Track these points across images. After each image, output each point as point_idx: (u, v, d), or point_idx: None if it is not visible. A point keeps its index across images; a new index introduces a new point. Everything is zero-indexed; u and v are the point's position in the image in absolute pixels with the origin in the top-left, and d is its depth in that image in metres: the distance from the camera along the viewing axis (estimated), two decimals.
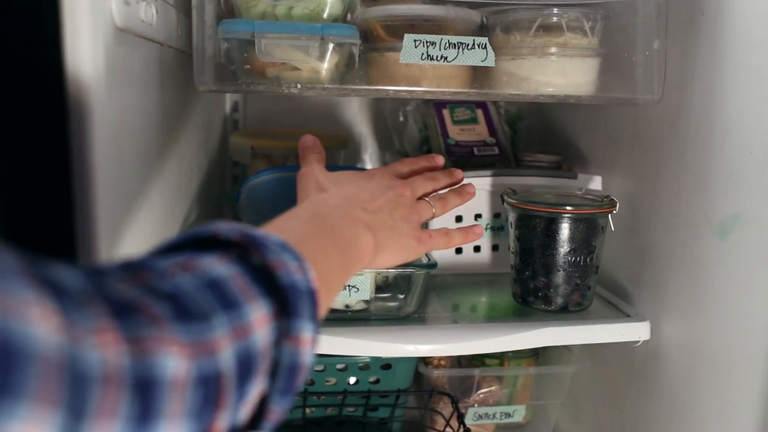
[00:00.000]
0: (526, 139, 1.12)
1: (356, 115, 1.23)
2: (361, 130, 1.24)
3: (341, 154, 1.12)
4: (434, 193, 0.66)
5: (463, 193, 0.68)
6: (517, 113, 1.09)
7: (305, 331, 0.37)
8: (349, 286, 0.71)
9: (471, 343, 0.72)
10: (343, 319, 0.74)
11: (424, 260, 0.75)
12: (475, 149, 0.97)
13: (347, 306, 0.74)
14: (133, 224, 0.59)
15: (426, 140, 0.99)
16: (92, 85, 0.46)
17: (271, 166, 1.07)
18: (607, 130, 0.92)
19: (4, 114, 0.44)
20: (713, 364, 0.70)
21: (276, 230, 0.44)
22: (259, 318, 0.35)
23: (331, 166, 0.66)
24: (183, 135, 0.81)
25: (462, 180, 0.69)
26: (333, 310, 0.74)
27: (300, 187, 0.63)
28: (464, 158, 0.96)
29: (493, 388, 0.98)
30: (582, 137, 0.99)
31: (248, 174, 1.09)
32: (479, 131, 0.98)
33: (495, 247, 0.94)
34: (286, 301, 0.37)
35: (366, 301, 0.74)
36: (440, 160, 0.70)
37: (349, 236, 0.52)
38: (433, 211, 0.65)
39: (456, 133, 0.97)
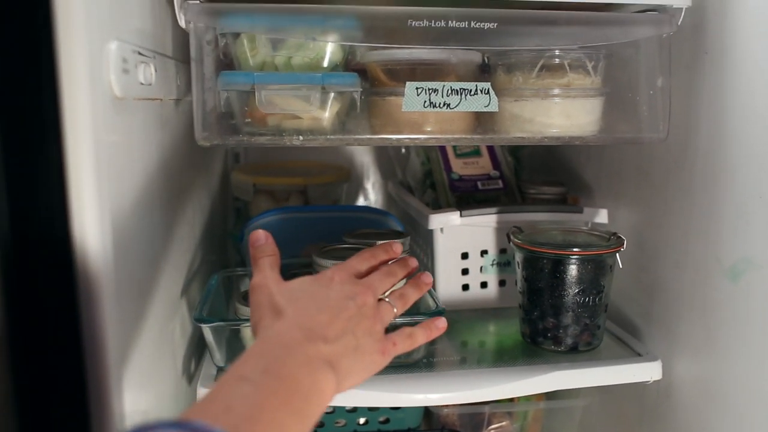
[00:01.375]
0: (530, 167, 1.11)
1: (359, 146, 1.23)
2: (363, 159, 1.23)
3: (344, 188, 1.11)
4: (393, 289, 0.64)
5: (421, 284, 0.65)
6: None
7: None
8: None
9: (481, 391, 0.71)
10: None
11: (432, 306, 0.74)
12: (479, 183, 0.96)
13: None
14: (139, 286, 0.58)
15: (429, 173, 0.99)
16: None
17: (274, 202, 1.06)
18: (612, 161, 0.91)
19: None
20: (726, 405, 0.69)
21: (224, 404, 0.43)
22: None
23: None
24: (186, 183, 0.80)
25: (417, 267, 0.67)
26: None
27: (253, 301, 0.58)
28: (468, 193, 0.95)
29: (503, 423, 0.97)
30: (587, 168, 0.98)
31: (251, 211, 1.08)
32: (482, 164, 0.97)
33: (502, 283, 0.93)
34: None
35: None
36: (398, 248, 0.67)
37: (309, 384, 0.49)
38: (395, 310, 0.61)
39: (459, 167, 0.97)
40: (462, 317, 0.91)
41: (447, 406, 0.95)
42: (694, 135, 0.72)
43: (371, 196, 1.24)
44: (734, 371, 0.68)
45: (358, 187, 1.23)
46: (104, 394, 0.49)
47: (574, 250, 0.75)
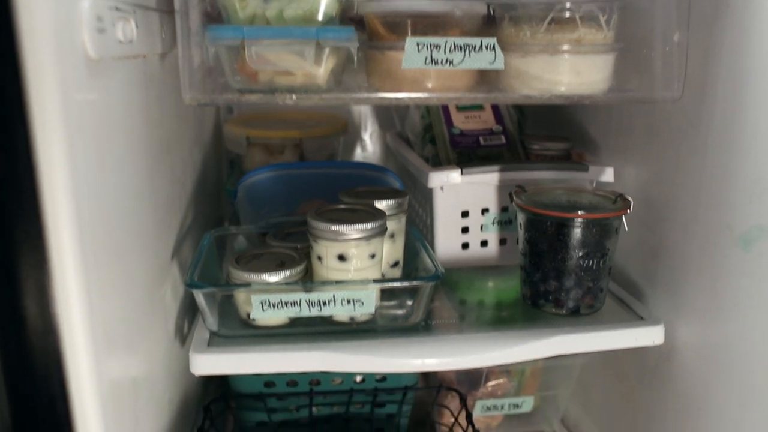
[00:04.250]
0: (534, 121, 1.07)
1: None
2: (360, 109, 1.19)
3: (340, 141, 1.07)
4: None
5: None
6: None
7: None
8: (353, 300, 0.69)
9: (480, 356, 0.70)
10: (348, 331, 0.72)
11: (432, 270, 0.72)
12: (481, 139, 0.92)
13: (352, 318, 0.72)
14: (124, 252, 0.56)
15: (429, 128, 0.95)
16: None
17: (268, 156, 1.03)
18: (621, 117, 0.87)
19: None
20: (729, 370, 0.68)
21: None
22: None
23: None
24: (175, 140, 0.77)
25: None
26: (337, 323, 0.72)
27: None
28: (469, 148, 0.92)
29: (501, 380, 0.97)
30: (593, 123, 0.95)
31: (245, 163, 1.05)
32: (485, 118, 0.94)
33: (503, 241, 0.91)
34: None
35: (371, 313, 0.72)
36: None
37: None
38: None
39: (461, 122, 0.93)
40: (461, 276, 0.89)
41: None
42: (711, 95, 0.68)
43: (369, 148, 1.20)
44: (740, 337, 0.66)
45: (355, 138, 1.19)
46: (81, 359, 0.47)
47: (579, 213, 0.72)
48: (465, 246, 0.89)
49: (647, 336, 0.75)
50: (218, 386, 0.99)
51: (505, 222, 0.89)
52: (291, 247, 0.76)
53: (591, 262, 0.74)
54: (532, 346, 0.71)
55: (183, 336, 0.78)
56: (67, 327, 0.46)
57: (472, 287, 0.87)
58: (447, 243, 0.88)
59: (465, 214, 0.88)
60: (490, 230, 0.89)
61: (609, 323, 0.76)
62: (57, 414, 0.49)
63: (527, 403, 0.98)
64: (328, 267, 0.70)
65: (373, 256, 0.70)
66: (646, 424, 0.83)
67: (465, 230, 0.89)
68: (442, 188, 0.85)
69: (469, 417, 0.87)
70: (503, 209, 0.89)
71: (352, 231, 0.68)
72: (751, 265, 0.64)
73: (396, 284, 0.72)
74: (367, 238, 0.68)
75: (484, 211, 0.88)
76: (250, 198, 0.88)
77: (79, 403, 0.48)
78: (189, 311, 0.79)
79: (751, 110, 0.63)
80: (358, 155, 1.20)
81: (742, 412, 0.66)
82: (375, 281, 0.69)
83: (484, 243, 0.90)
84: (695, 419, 0.73)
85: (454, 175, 0.84)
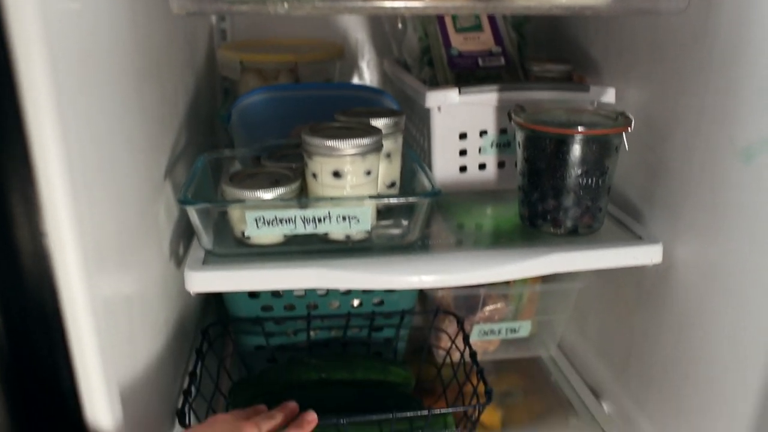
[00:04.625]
0: (534, 43, 1.05)
1: (353, 20, 1.15)
2: (357, 35, 1.16)
3: (336, 66, 1.05)
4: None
5: (304, 424, 0.69)
6: (523, 17, 1.01)
7: None
8: (349, 217, 0.68)
9: (477, 273, 0.69)
10: (344, 249, 0.71)
11: (428, 187, 0.71)
12: (479, 60, 0.90)
13: (348, 236, 0.71)
14: (113, 167, 0.55)
15: (426, 50, 0.92)
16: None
17: (262, 81, 1.01)
18: (623, 36, 0.85)
19: None
20: (727, 288, 0.68)
21: None
22: None
23: None
24: (164, 58, 0.75)
25: (297, 410, 0.71)
26: (332, 241, 0.71)
27: None
28: (468, 70, 0.90)
29: (498, 305, 0.97)
30: (595, 43, 0.92)
31: (239, 90, 1.03)
32: (484, 39, 0.91)
33: (501, 164, 0.89)
34: None
35: (367, 231, 0.71)
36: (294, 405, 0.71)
37: None
38: None
39: (459, 43, 0.90)
40: (459, 200, 0.88)
41: (442, 287, 0.95)
42: (717, 6, 0.66)
43: (366, 75, 1.18)
44: (738, 254, 0.66)
45: (351, 65, 1.17)
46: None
47: (579, 129, 0.71)
48: (463, 169, 0.88)
49: (645, 255, 0.75)
50: (216, 311, 0.99)
51: (503, 145, 0.88)
52: (286, 167, 0.75)
53: (590, 180, 0.73)
54: (529, 264, 0.71)
55: (178, 259, 0.77)
56: (58, 244, 0.45)
57: (469, 211, 0.87)
58: (444, 166, 0.87)
59: (463, 136, 0.86)
60: (488, 153, 0.88)
61: (607, 242, 0.75)
62: (51, 332, 0.49)
63: (524, 328, 0.98)
64: (323, 184, 0.69)
65: (368, 173, 0.69)
66: (642, 344, 0.84)
67: (463, 153, 0.87)
68: (439, 108, 0.83)
69: (466, 339, 0.88)
70: (502, 131, 0.87)
71: (348, 146, 0.66)
72: (752, 179, 0.63)
73: (392, 200, 0.71)
74: (363, 154, 0.67)
75: (483, 133, 0.87)
76: (244, 122, 0.87)
77: (72, 321, 0.48)
78: (184, 235, 0.79)
79: (758, 21, 0.61)
80: (355, 83, 1.18)
81: (738, 325, 0.66)
82: (371, 197, 0.68)
83: (482, 166, 0.89)
84: (690, 334, 0.74)
85: (452, 95, 0.82)
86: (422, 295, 0.95)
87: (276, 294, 0.86)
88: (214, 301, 1.00)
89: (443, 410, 0.77)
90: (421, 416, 0.75)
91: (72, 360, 0.49)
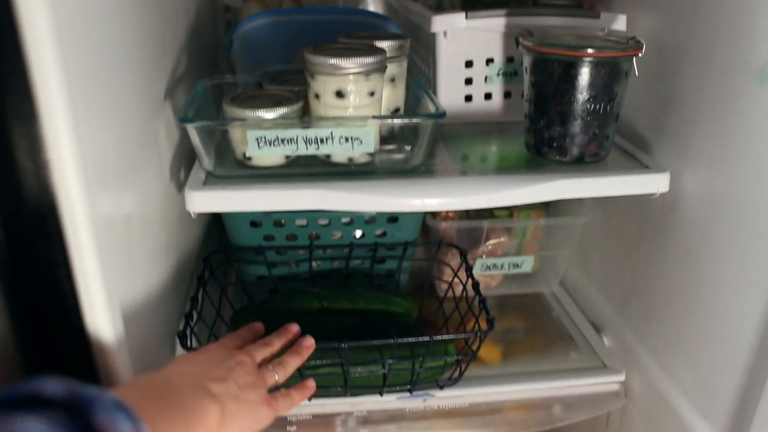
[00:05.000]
0: None
1: None
2: None
3: None
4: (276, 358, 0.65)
5: (301, 350, 0.67)
6: None
7: None
8: (351, 138, 0.67)
9: (481, 197, 0.69)
10: (346, 172, 0.70)
11: (432, 107, 0.70)
12: None
13: (350, 159, 0.70)
14: (112, 83, 0.54)
15: None
16: None
17: (265, 9, 0.99)
18: None
19: None
20: (735, 217, 0.67)
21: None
22: None
23: None
24: None
25: (297, 334, 0.69)
26: (335, 164, 0.70)
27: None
28: None
29: (501, 239, 0.96)
30: None
31: (241, 19, 1.00)
32: None
33: (507, 95, 0.88)
34: None
35: (370, 154, 0.70)
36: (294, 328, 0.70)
37: (192, 403, 0.50)
38: (276, 377, 0.63)
39: None
40: (464, 130, 0.87)
41: (445, 219, 0.94)
42: None
43: (370, 5, 1.15)
44: (748, 183, 0.65)
45: None
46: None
47: (588, 51, 0.69)
48: (468, 99, 0.87)
49: (652, 183, 0.74)
50: (219, 242, 0.99)
51: (510, 74, 0.86)
52: (288, 90, 0.73)
53: (598, 106, 0.72)
54: (535, 189, 0.70)
55: (179, 183, 0.77)
56: (58, 160, 0.45)
57: (474, 141, 0.85)
58: (450, 95, 0.85)
59: (469, 64, 0.84)
60: (494, 82, 0.86)
61: (614, 170, 0.74)
62: (53, 248, 0.48)
63: (527, 263, 0.98)
64: (325, 104, 0.67)
65: (372, 94, 0.68)
66: (645, 278, 0.84)
67: (468, 82, 0.86)
68: (445, 34, 0.81)
69: (469, 270, 0.87)
70: (509, 60, 0.85)
71: (351, 64, 0.65)
72: (765, 101, 0.61)
73: (396, 121, 0.70)
74: (366, 74, 0.66)
75: (489, 61, 0.85)
76: (246, 47, 0.85)
77: (72, 233, 0.47)
78: (186, 160, 0.78)
79: None
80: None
81: (743, 255, 0.66)
82: (374, 117, 0.67)
83: (488, 96, 0.87)
84: (695, 266, 0.73)
85: (458, 19, 0.80)
86: (425, 228, 0.94)
87: (278, 223, 0.86)
88: (216, 231, 1.00)
89: (445, 337, 0.77)
90: (422, 342, 0.75)
91: (72, 269, 0.49)
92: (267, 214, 0.84)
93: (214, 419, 0.51)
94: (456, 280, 0.90)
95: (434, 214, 0.95)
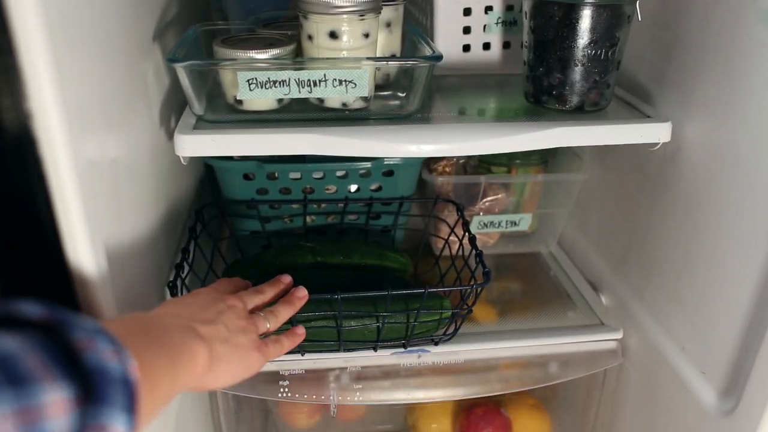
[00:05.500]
0: None
1: None
2: None
3: None
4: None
5: (294, 300, 0.66)
6: None
7: (115, 422, 0.32)
8: (345, 81, 0.65)
9: (479, 143, 0.67)
10: (340, 118, 0.69)
11: (428, 52, 0.68)
12: None
13: (344, 104, 0.68)
14: (94, 19, 0.52)
15: None
16: None
17: None
18: None
19: None
20: (737, 166, 0.65)
21: None
22: (55, 401, 0.30)
23: None
24: None
25: (290, 285, 0.68)
26: (328, 109, 0.69)
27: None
28: None
29: (499, 195, 0.95)
30: None
31: None
32: None
33: (506, 45, 0.86)
34: (92, 387, 0.32)
35: (365, 99, 0.68)
36: (286, 279, 0.69)
37: (179, 342, 0.48)
38: (268, 325, 0.61)
39: None
40: (462, 82, 0.85)
41: (442, 173, 0.92)
42: None
43: None
44: (752, 131, 0.63)
45: None
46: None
47: None
48: (466, 48, 0.84)
49: (654, 133, 0.72)
50: (212, 195, 0.98)
51: (509, 23, 0.84)
52: (281, 33, 0.71)
53: (599, 51, 0.70)
54: (533, 135, 0.68)
55: (169, 131, 0.75)
56: (38, 99, 0.43)
57: (472, 92, 0.83)
58: (447, 44, 0.83)
59: (467, 12, 0.82)
60: (493, 31, 0.84)
61: (614, 119, 0.72)
62: (35, 191, 0.47)
63: (524, 221, 0.97)
64: (318, 46, 0.65)
65: (367, 36, 0.66)
66: (644, 233, 0.82)
67: (467, 31, 0.83)
68: None
69: (465, 225, 0.86)
70: (508, 8, 0.83)
71: (345, 3, 0.63)
72: None
73: (392, 63, 0.68)
74: (361, 13, 0.64)
75: (488, 9, 0.82)
76: None
77: (56, 181, 0.45)
78: (177, 107, 0.76)
79: None
80: None
81: (744, 205, 0.64)
82: (368, 59, 0.65)
83: (486, 46, 0.85)
84: (696, 217, 0.72)
85: None
86: (421, 182, 0.92)
87: (271, 176, 0.84)
88: (210, 185, 0.98)
89: (440, 289, 0.75)
90: (417, 295, 0.73)
91: (54, 207, 0.47)
92: (260, 167, 0.82)
93: (201, 361, 0.50)
94: (452, 237, 0.88)
95: (430, 169, 0.93)
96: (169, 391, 0.44)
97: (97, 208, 0.50)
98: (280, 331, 0.64)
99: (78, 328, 0.34)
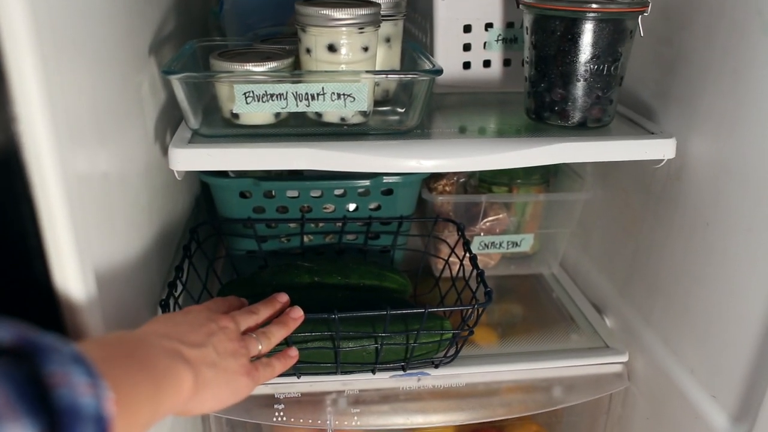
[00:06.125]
0: None
1: None
2: None
3: None
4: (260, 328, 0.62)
5: (288, 321, 0.63)
6: None
7: None
8: (344, 94, 0.64)
9: (480, 158, 0.66)
10: (338, 133, 0.67)
11: (428, 66, 0.67)
12: None
13: (342, 119, 0.67)
14: (87, 29, 0.50)
15: None
16: None
17: None
18: None
19: None
20: (744, 182, 0.64)
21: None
22: None
23: None
24: None
25: (287, 303, 0.66)
26: (326, 124, 0.67)
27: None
28: None
29: (500, 216, 0.93)
30: None
31: None
32: None
33: (507, 62, 0.85)
34: (61, 426, 0.30)
35: (363, 114, 0.67)
36: (283, 298, 0.66)
37: (164, 366, 0.45)
38: (260, 347, 0.59)
39: None
40: (462, 99, 0.84)
41: (442, 192, 0.91)
42: None
43: None
44: (759, 145, 0.62)
45: None
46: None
47: (592, 6, 0.66)
48: (466, 66, 0.84)
49: (658, 149, 0.71)
50: (208, 214, 0.96)
51: (510, 40, 0.83)
52: (279, 47, 0.70)
53: (601, 67, 0.69)
54: (535, 151, 0.67)
55: (164, 146, 0.73)
56: (26, 109, 0.41)
57: (472, 109, 0.82)
58: (447, 61, 0.82)
59: (467, 28, 0.81)
60: (493, 48, 0.83)
61: (617, 135, 0.71)
62: (20, 206, 0.45)
63: (526, 242, 0.95)
64: (317, 59, 0.64)
65: (366, 50, 0.65)
66: (648, 253, 0.81)
67: (467, 48, 0.83)
68: None
69: (466, 245, 0.84)
70: (509, 25, 0.82)
71: (344, 15, 0.62)
72: None
73: (391, 76, 0.67)
74: (360, 26, 0.63)
75: (488, 26, 0.82)
76: (237, 9, 0.82)
77: (43, 196, 0.43)
78: (173, 122, 0.75)
79: None
80: None
81: (753, 221, 0.62)
82: (367, 72, 0.64)
83: (486, 63, 0.84)
84: (702, 235, 0.70)
85: None
86: (421, 202, 0.91)
87: (268, 194, 0.83)
88: (205, 203, 0.97)
89: (441, 309, 0.73)
90: (416, 315, 0.71)
91: (41, 224, 0.45)
92: (257, 184, 0.81)
93: (187, 386, 0.47)
94: (453, 258, 0.87)
95: (430, 189, 0.92)
96: (152, 417, 0.42)
97: (86, 225, 0.48)
98: (274, 351, 0.62)
99: (52, 359, 0.32)
